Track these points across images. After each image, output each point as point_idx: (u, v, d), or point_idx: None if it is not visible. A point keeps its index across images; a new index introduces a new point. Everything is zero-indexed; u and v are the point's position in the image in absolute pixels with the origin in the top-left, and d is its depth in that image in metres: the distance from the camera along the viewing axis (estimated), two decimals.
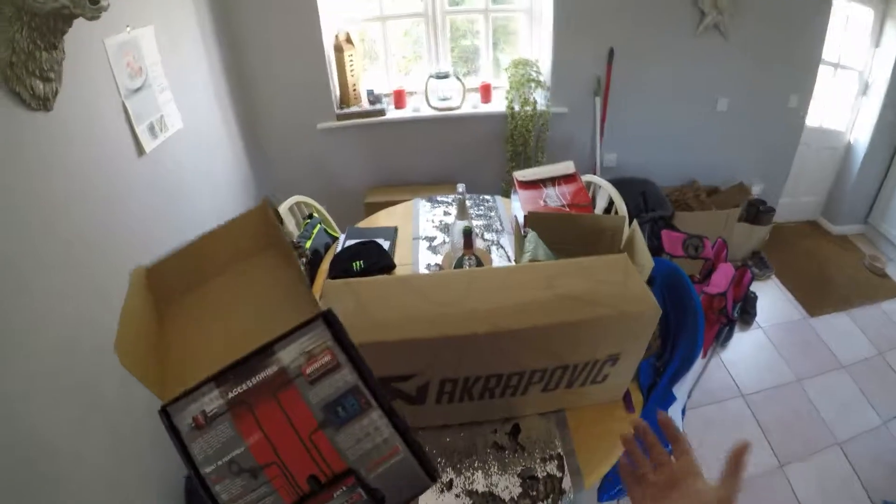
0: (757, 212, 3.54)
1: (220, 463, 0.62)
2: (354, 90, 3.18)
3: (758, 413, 2.67)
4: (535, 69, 3.13)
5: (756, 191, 3.76)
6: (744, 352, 3.04)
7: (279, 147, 3.32)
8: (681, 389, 1.63)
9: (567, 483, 1.22)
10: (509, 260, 1.95)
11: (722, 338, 2.78)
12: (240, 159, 3.02)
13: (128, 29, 1.90)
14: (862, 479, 2.36)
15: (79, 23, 1.41)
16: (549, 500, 1.20)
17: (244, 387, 0.65)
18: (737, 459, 0.60)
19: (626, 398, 1.45)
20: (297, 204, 2.35)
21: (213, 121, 2.70)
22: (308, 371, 0.66)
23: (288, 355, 0.67)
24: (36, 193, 1.43)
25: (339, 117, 3.18)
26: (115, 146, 1.82)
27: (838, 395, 2.77)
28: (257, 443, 0.63)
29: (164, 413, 0.65)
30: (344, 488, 0.61)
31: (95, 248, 1.65)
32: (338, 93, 3.20)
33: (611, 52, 3.13)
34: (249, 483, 0.61)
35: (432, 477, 0.63)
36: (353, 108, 3.20)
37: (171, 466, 1.94)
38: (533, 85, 3.07)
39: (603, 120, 3.31)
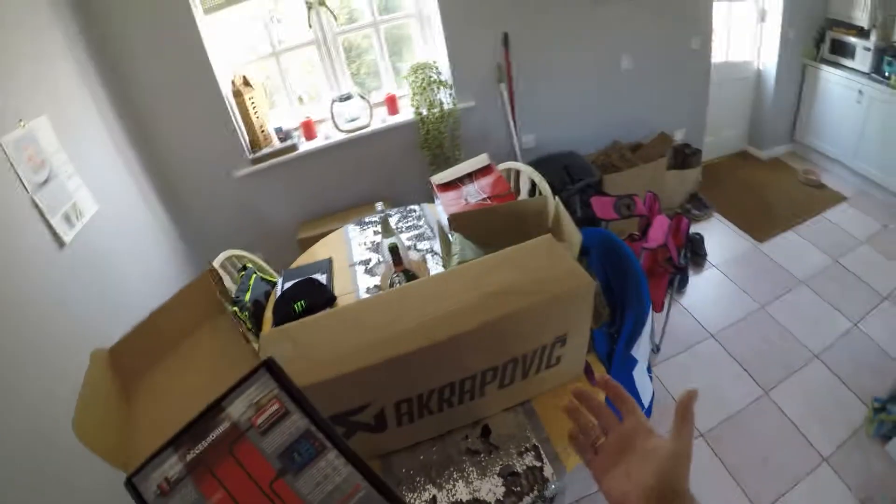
0: (684, 157, 3.60)
1: None
2: (263, 131, 3.15)
3: (731, 348, 2.71)
4: (434, 70, 3.13)
5: (679, 136, 3.83)
6: (703, 293, 3.09)
7: (201, 205, 3.26)
8: (639, 350, 1.64)
9: (549, 470, 1.21)
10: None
11: (675, 286, 2.82)
12: (164, 226, 2.97)
13: (21, 123, 1.86)
14: (847, 384, 2.42)
15: None
16: (535, 491, 1.19)
17: (200, 447, 0.65)
18: (684, 410, 0.57)
19: (588, 371, 1.45)
20: (229, 258, 2.30)
21: (129, 195, 2.65)
22: (258, 422, 0.66)
23: (237, 410, 0.67)
24: None
25: (254, 161, 3.14)
26: (32, 242, 1.77)
27: (804, 310, 2.84)
28: (220, 500, 0.62)
29: (130, 484, 0.64)
30: None
31: (29, 348, 1.62)
32: (247, 137, 3.15)
33: (505, 37, 3.14)
34: None
35: None
36: (266, 150, 3.15)
37: None
38: (436, 86, 3.07)
39: (512, 104, 3.32)
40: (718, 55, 3.80)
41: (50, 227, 1.86)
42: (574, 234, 1.46)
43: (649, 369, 1.79)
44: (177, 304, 0.99)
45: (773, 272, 3.13)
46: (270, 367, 0.70)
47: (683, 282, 3.04)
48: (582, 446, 0.67)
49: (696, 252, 3.22)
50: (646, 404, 1.73)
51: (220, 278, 0.93)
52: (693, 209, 3.61)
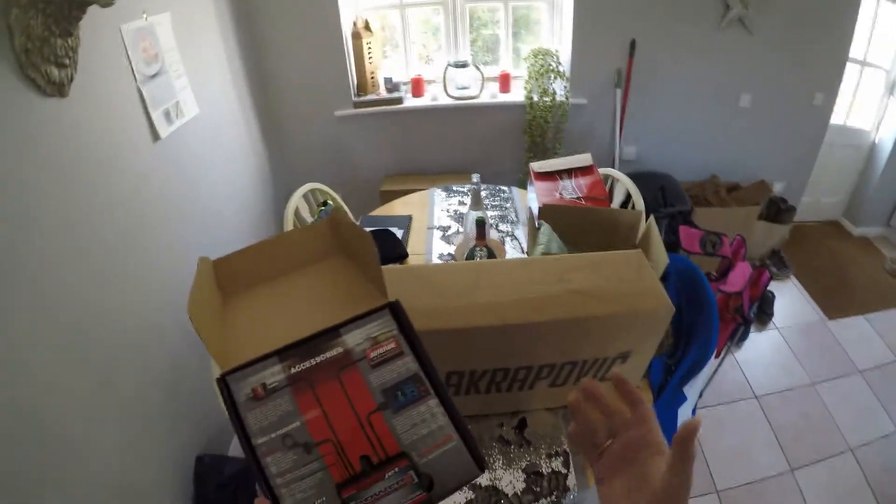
0: (777, 210, 3.48)
1: (273, 435, 0.62)
2: (373, 77, 3.17)
3: (770, 415, 2.63)
4: (555, 59, 3.08)
5: (777, 189, 3.69)
6: (759, 352, 3.00)
7: (296, 134, 3.32)
8: (692, 389, 1.61)
9: (571, 481, 1.21)
10: (523, 252, 1.93)
11: (737, 337, 2.75)
12: (256, 145, 3.03)
13: (144, 16, 1.90)
14: (873, 487, 2.32)
15: (95, 10, 1.41)
16: (553, 496, 1.19)
17: (307, 364, 0.67)
18: (684, 444, 0.49)
19: None
20: (312, 191, 2.34)
21: (229, 107, 2.70)
22: (372, 355, 0.68)
23: (353, 339, 0.69)
24: (51, 177, 1.44)
25: (357, 105, 3.17)
26: (131, 131, 1.82)
27: (853, 400, 2.73)
28: (315, 419, 0.64)
29: (223, 381, 0.66)
30: (396, 470, 0.62)
31: (109, 233, 1.66)
32: (356, 80, 3.18)
33: (632, 44, 3.07)
34: (302, 458, 0.62)
35: (481, 467, 0.63)
36: (371, 96, 3.18)
37: (181, 448, 1.97)
38: (552, 75, 3.03)
39: (623, 112, 3.26)
40: (838, 117, 3.64)
41: (149, 119, 1.91)
42: (661, 257, 1.43)
43: (694, 411, 1.75)
44: (295, 237, 0.99)
45: (834, 352, 3.01)
46: (395, 308, 0.72)
47: (744, 335, 2.95)
48: (584, 447, 0.62)
49: (763, 309, 3.12)
50: None
51: (346, 216, 0.94)
52: (772, 265, 3.50)
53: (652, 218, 1.52)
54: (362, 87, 3.19)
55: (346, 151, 3.39)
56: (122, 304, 1.69)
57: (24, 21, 1.28)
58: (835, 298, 3.37)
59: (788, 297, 3.37)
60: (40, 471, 1.32)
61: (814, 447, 2.48)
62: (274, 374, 0.66)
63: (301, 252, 0.97)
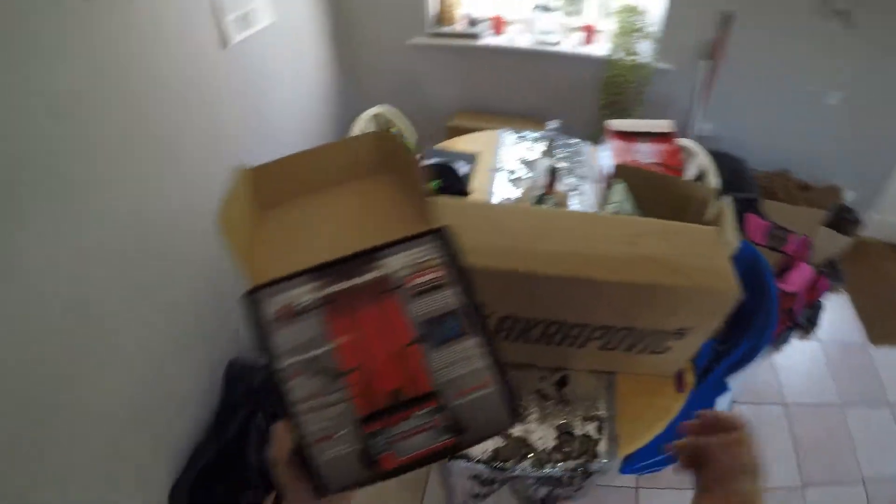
0: (843, 219, 3.32)
1: (299, 358, 0.58)
2: (452, 10, 3.09)
3: (793, 425, 2.56)
4: (644, 20, 2.95)
5: (848, 197, 3.52)
6: (796, 360, 2.91)
7: (368, 56, 3.28)
8: (736, 381, 1.56)
9: (602, 447, 1.18)
10: (586, 208, 1.87)
11: (780, 340, 2.67)
12: (328, 64, 3.01)
13: None
14: None
15: None
16: (582, 459, 1.16)
17: (342, 286, 0.61)
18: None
19: (679, 377, 1.39)
20: (380, 115, 2.29)
21: (304, 20, 2.66)
22: (413, 283, 0.62)
23: (395, 263, 0.63)
24: (112, 77, 1.42)
25: (433, 35, 3.11)
26: (198, 35, 1.79)
27: (877, 431, 2.63)
28: (345, 345, 0.59)
29: (250, 297, 0.61)
30: (424, 410, 0.57)
31: (168, 135, 1.67)
32: (435, 10, 3.11)
33: (729, 17, 2.90)
34: (326, 385, 0.57)
35: (513, 419, 0.58)
36: (449, 29, 3.11)
37: (215, 351, 2.01)
38: (640, 35, 2.89)
39: (708, 86, 3.12)
40: None
41: (219, 24, 1.87)
42: (733, 239, 1.37)
43: (731, 403, 1.70)
44: (342, 148, 0.94)
45: (870, 379, 2.89)
46: (444, 235, 0.65)
47: (786, 339, 2.86)
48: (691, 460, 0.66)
49: (809, 318, 3.01)
50: None
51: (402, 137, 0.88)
52: (826, 276, 3.36)
53: (729, 198, 1.45)
54: (441, 18, 3.12)
55: (418, 82, 3.34)
56: (173, 207, 1.70)
57: None
58: (883, 324, 3.23)
59: (836, 312, 3.24)
60: (75, 356, 1.37)
61: (828, 469, 2.41)
62: (305, 294, 0.61)
63: (345, 165, 0.91)
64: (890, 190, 3.54)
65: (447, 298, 0.61)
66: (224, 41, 1.90)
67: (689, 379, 1.41)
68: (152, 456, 1.72)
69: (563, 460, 1.16)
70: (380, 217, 0.84)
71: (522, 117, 3.31)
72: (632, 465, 1.67)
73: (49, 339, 1.28)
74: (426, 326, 0.60)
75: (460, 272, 0.63)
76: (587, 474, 1.23)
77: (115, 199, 1.46)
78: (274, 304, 0.60)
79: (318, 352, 0.58)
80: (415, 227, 0.67)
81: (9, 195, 1.16)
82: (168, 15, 1.63)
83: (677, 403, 1.35)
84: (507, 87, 3.30)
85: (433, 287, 0.62)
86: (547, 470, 1.14)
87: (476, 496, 1.39)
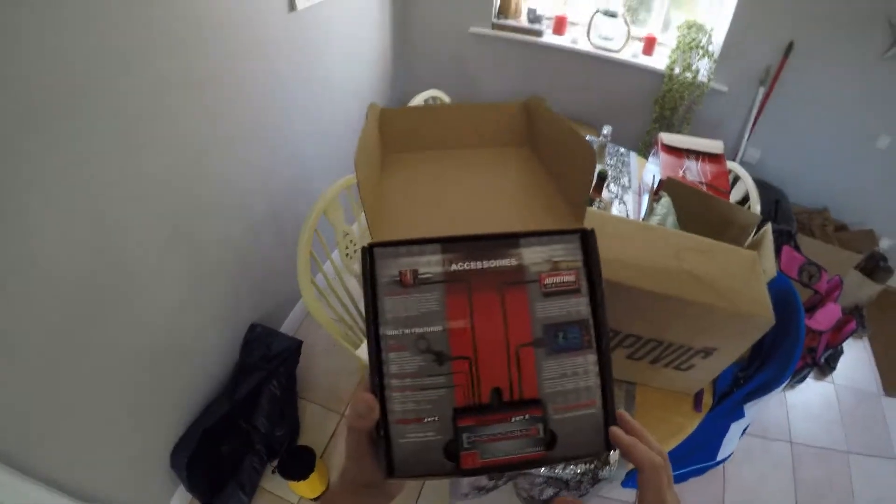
0: (875, 266, 3.28)
1: (407, 331, 0.55)
2: (517, 3, 3.08)
3: (797, 465, 2.55)
4: (706, 37, 2.92)
5: (883, 244, 3.47)
6: (809, 400, 2.89)
7: (427, 39, 3.28)
8: (752, 409, 1.55)
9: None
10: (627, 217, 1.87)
11: (798, 377, 2.65)
12: (385, 41, 3.01)
13: None
14: None
15: None
16: (593, 465, 1.17)
17: (472, 265, 0.57)
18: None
19: (698, 396, 1.39)
20: (433, 98, 2.30)
21: None
22: (546, 281, 0.57)
23: (532, 255, 0.58)
24: (191, 12, 1.46)
25: (495, 26, 3.10)
26: None
27: (879, 483, 2.61)
28: (460, 329, 0.55)
29: (370, 251, 0.57)
30: (525, 416, 0.54)
31: (227, 92, 1.70)
32: (499, 1, 3.10)
33: (790, 46, 2.87)
34: (430, 367, 0.54)
35: (608, 445, 0.55)
36: (511, 21, 3.10)
37: (238, 313, 2.04)
38: (700, 52, 2.88)
39: (760, 111, 3.09)
40: None
41: None
42: (770, 268, 1.36)
43: (744, 431, 1.69)
44: (475, 112, 0.87)
45: (879, 429, 2.86)
46: (587, 237, 0.60)
47: (803, 378, 2.84)
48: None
49: (828, 360, 2.99)
50: (720, 457, 1.65)
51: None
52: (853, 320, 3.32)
53: (769, 225, 1.44)
54: (504, 10, 3.11)
55: (472, 71, 3.34)
56: (216, 162, 1.72)
57: None
58: None
59: (855, 358, 3.21)
60: (107, 301, 1.40)
61: None
62: (431, 264, 0.56)
63: (482, 130, 0.86)
64: None
65: (576, 306, 0.57)
66: (293, 4, 1.93)
67: (708, 400, 1.42)
68: (169, 401, 1.76)
69: (572, 462, 1.16)
70: (521, 197, 0.76)
71: (572, 119, 3.30)
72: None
73: (85, 277, 1.32)
74: (547, 331, 0.56)
75: (594, 281, 0.58)
76: (596, 480, 1.23)
77: (172, 139, 1.50)
78: (395, 265, 0.56)
79: (431, 330, 0.55)
80: (558, 220, 0.63)
81: (79, 120, 1.21)
82: None
83: (692, 422, 1.35)
84: (562, 88, 3.30)
85: (566, 291, 0.58)
86: (558, 471, 1.15)
87: (481, 489, 1.39)
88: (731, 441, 1.61)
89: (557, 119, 0.76)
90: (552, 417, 0.54)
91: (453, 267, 0.57)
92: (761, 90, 3.00)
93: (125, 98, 1.31)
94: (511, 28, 3.08)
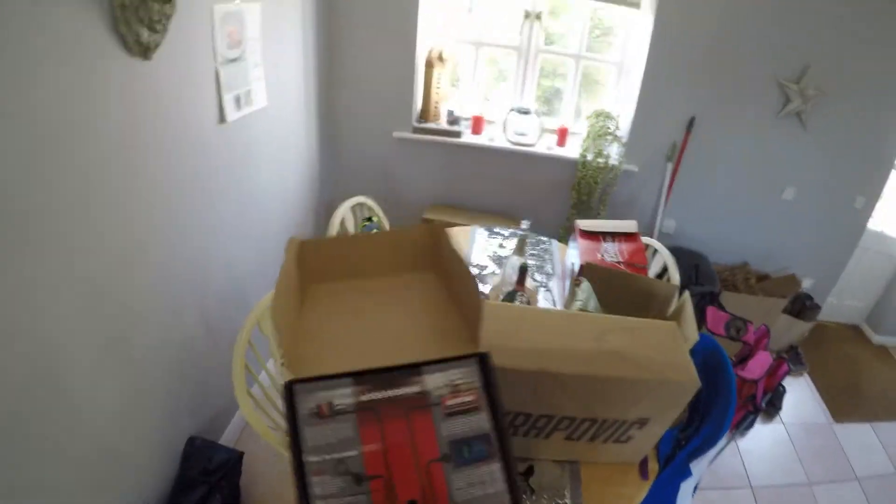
0: (802, 306, 3.50)
1: (327, 458, 0.61)
2: (436, 107, 3.25)
3: None
4: (614, 123, 3.17)
5: (806, 285, 3.72)
6: (761, 443, 3.00)
7: (352, 145, 3.39)
8: (698, 466, 1.63)
9: None
10: (554, 304, 1.97)
11: (744, 425, 2.76)
12: (312, 149, 3.09)
13: (237, 1, 1.95)
14: None
15: None
16: None
17: (380, 395, 0.65)
18: None
19: (643, 464, 1.46)
20: (360, 205, 2.41)
21: (295, 106, 2.77)
22: (448, 403, 0.66)
23: (433, 381, 0.67)
24: (120, 131, 1.48)
25: (416, 130, 3.24)
26: (200, 108, 1.86)
27: None
28: (374, 452, 0.62)
29: (289, 389, 0.64)
30: None
31: (161, 194, 1.71)
32: (419, 106, 3.27)
33: (691, 121, 3.16)
34: (349, 487, 0.60)
35: None
36: (432, 125, 3.25)
37: (176, 426, 1.99)
38: (610, 138, 3.11)
39: (670, 186, 3.33)
40: (875, 223, 3.68)
41: (220, 101, 1.95)
42: (692, 334, 1.47)
43: (695, 489, 1.78)
44: (391, 239, 0.96)
45: (835, 457, 3.00)
46: (483, 360, 0.70)
47: (750, 424, 2.96)
48: None
49: (772, 402, 3.13)
50: None
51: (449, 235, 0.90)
52: (789, 360, 3.50)
53: (687, 294, 1.57)
54: (424, 114, 3.27)
55: (397, 173, 3.45)
56: (148, 272, 1.71)
57: None
58: (845, 403, 3.37)
59: (799, 394, 3.37)
60: (37, 416, 1.34)
61: None
62: (344, 396, 0.64)
63: (394, 258, 0.94)
64: (844, 274, 3.74)
65: (478, 422, 0.65)
66: (222, 117, 1.98)
67: (653, 466, 1.49)
68: None
69: None
70: (427, 322, 0.85)
71: (495, 214, 3.45)
72: None
73: (13, 397, 1.26)
74: (453, 447, 0.63)
75: (493, 398, 0.67)
76: None
77: (99, 261, 1.48)
78: (313, 399, 0.63)
79: (347, 454, 0.61)
80: (458, 344, 0.72)
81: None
82: (177, 82, 1.70)
83: (641, 491, 1.41)
84: (482, 184, 3.44)
85: (467, 410, 0.66)
86: None
87: None
88: (685, 500, 1.68)
89: (453, 250, 0.88)
90: None
91: (364, 397, 0.65)
92: (669, 165, 3.26)
93: (49, 210, 1.29)
94: (432, 131, 3.23)
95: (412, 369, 0.67)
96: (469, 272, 0.82)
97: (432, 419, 0.65)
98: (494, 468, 0.64)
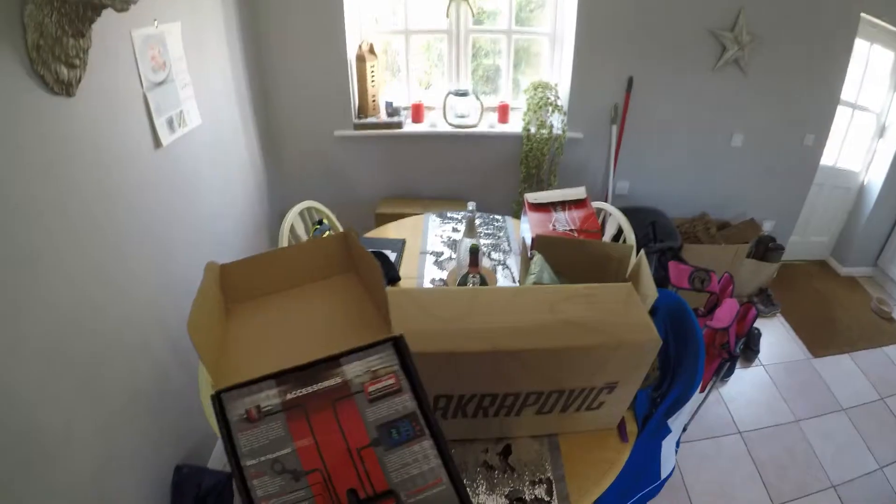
0: (766, 249, 3.54)
1: (263, 459, 0.62)
2: (374, 101, 3.22)
3: (754, 451, 2.65)
4: (553, 93, 3.14)
5: (767, 228, 3.76)
6: (744, 388, 3.03)
7: (294, 151, 3.36)
8: (676, 422, 1.63)
9: None
10: (514, 281, 1.96)
11: (722, 373, 2.77)
12: (255, 160, 3.06)
13: (155, 23, 1.92)
14: None
15: (107, 13, 1.43)
16: None
17: (304, 391, 0.66)
18: None
19: (621, 427, 1.46)
20: (308, 209, 2.37)
21: (231, 120, 2.73)
22: (370, 389, 0.68)
23: (353, 370, 0.69)
24: (53, 175, 1.45)
25: (357, 127, 3.22)
26: (134, 136, 1.84)
27: (836, 437, 2.76)
28: (306, 447, 0.63)
29: (217, 399, 0.65)
30: None
31: (105, 234, 1.68)
32: (357, 102, 3.23)
33: (630, 81, 3.15)
34: (289, 485, 0.61)
35: None
36: (371, 119, 3.23)
37: (161, 457, 1.97)
38: (550, 109, 3.09)
39: (618, 148, 3.33)
40: (828, 158, 3.72)
41: (153, 126, 1.92)
42: (651, 291, 1.46)
43: (678, 444, 1.78)
44: (305, 251, 1.00)
45: (818, 390, 3.04)
46: (398, 343, 0.71)
47: (730, 371, 2.98)
48: None
49: (749, 346, 3.16)
50: (663, 475, 1.72)
51: (357, 236, 0.94)
52: (760, 303, 3.55)
53: (643, 253, 1.56)
54: (363, 110, 3.23)
55: (344, 172, 3.43)
56: (110, 308, 1.70)
57: (39, 18, 1.30)
58: (820, 337, 3.42)
59: (775, 335, 3.41)
60: (15, 472, 1.32)
61: (796, 484, 2.50)
62: (269, 398, 0.66)
63: (312, 266, 0.97)
64: (804, 212, 3.80)
65: (401, 403, 0.67)
66: (157, 142, 1.95)
67: (632, 427, 1.48)
68: None
69: None
70: (344, 319, 0.90)
71: (447, 199, 3.43)
72: None
73: None
74: (381, 430, 0.65)
75: (412, 378, 0.69)
76: None
77: (51, 292, 1.45)
78: (241, 405, 0.65)
79: (282, 453, 0.63)
80: (374, 332, 0.74)
81: None
82: (106, 114, 1.67)
83: (622, 454, 1.41)
84: (431, 171, 3.43)
85: (388, 393, 0.67)
86: None
87: None
88: (668, 457, 1.68)
89: (361, 248, 0.93)
90: (407, 502, 0.63)
91: (289, 396, 0.66)
92: (614, 128, 3.26)
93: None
94: (372, 125, 3.20)
95: (331, 362, 0.69)
96: (376, 264, 0.89)
97: (357, 407, 0.66)
98: (426, 445, 0.66)
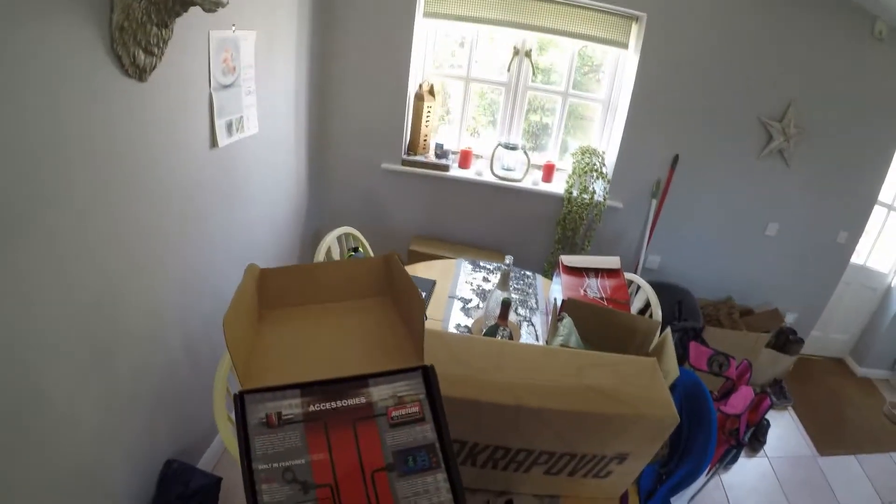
0: (786, 340, 3.54)
1: (276, 465, 0.63)
2: (425, 140, 3.30)
3: None
4: (600, 160, 3.21)
5: (789, 319, 3.76)
6: (746, 478, 3.00)
7: (340, 175, 3.43)
8: (679, 502, 1.65)
9: None
10: (537, 339, 1.99)
11: (727, 459, 2.76)
12: (301, 178, 3.11)
13: (233, 28, 1.98)
14: None
15: (194, 10, 1.48)
16: None
17: (327, 406, 0.67)
18: None
19: (623, 500, 1.47)
20: (347, 234, 2.43)
21: (286, 134, 2.79)
22: (393, 414, 0.68)
23: (379, 393, 0.69)
24: (106, 151, 1.49)
25: (405, 163, 3.28)
26: (193, 131, 1.88)
27: None
28: (320, 461, 0.64)
29: (240, 399, 0.66)
30: None
31: (143, 223, 1.70)
32: (408, 138, 3.31)
33: (675, 158, 3.22)
34: (297, 495, 0.62)
35: None
36: (420, 157, 3.29)
37: (155, 450, 1.98)
38: (595, 175, 3.15)
39: (654, 223, 3.37)
40: (859, 256, 3.75)
41: (213, 125, 1.96)
42: (673, 369, 1.50)
43: None
44: (347, 268, 1.00)
45: (820, 490, 3.01)
46: (427, 373, 0.73)
47: (734, 458, 2.96)
48: None
49: (756, 436, 3.15)
50: None
51: (401, 261, 0.96)
52: (773, 394, 3.53)
53: (668, 330, 1.60)
54: (413, 147, 3.31)
55: (384, 204, 3.49)
56: (137, 290, 1.72)
57: (128, 1, 1.35)
58: (829, 435, 3.39)
59: (783, 428, 3.39)
60: (15, 422, 1.34)
61: None
62: (292, 407, 0.66)
63: (350, 284, 0.99)
64: (828, 307, 3.79)
65: (421, 433, 0.68)
66: (214, 142, 2.00)
67: (634, 501, 1.50)
68: None
69: None
70: (375, 340, 0.90)
71: (479, 247, 3.48)
72: None
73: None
74: (398, 456, 0.65)
75: (436, 409, 0.70)
76: None
77: (90, 274, 1.49)
78: (262, 409, 0.66)
79: (295, 463, 0.63)
80: (404, 359, 0.75)
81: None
82: (171, 105, 1.72)
83: None
84: (468, 217, 3.47)
85: (411, 420, 0.68)
86: None
87: None
88: None
89: (405, 273, 0.92)
90: None
91: (311, 408, 0.67)
92: (654, 202, 3.31)
93: (48, 230, 1.33)
94: (420, 164, 3.27)
95: (359, 381, 0.69)
96: (418, 292, 0.87)
97: (378, 430, 0.67)
98: (439, 477, 0.66)
